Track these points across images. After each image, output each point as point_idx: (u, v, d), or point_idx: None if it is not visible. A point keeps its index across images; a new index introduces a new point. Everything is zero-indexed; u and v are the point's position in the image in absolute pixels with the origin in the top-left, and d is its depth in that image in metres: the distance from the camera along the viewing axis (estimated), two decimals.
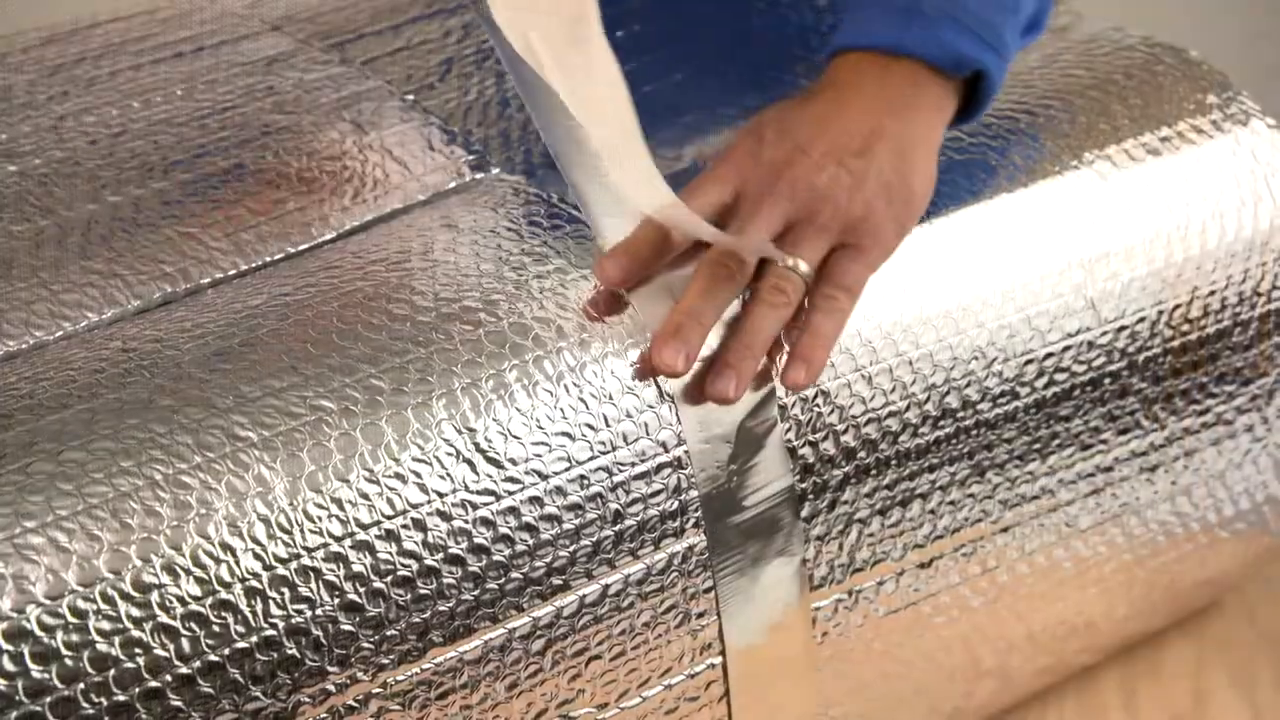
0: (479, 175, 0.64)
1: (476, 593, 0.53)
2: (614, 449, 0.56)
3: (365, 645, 0.52)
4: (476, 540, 0.53)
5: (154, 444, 0.51)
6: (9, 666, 0.47)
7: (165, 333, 0.55)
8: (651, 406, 0.56)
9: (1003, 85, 0.63)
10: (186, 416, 0.52)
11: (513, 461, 0.54)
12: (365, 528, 0.52)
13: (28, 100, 0.66)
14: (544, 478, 0.55)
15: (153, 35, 0.72)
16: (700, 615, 0.58)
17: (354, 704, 0.51)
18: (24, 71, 0.68)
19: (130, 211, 0.61)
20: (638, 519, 0.56)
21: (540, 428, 0.55)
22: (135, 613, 0.49)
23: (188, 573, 0.49)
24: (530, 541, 0.54)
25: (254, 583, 0.50)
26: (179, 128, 0.65)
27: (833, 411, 0.60)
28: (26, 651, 0.47)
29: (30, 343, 0.56)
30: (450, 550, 0.53)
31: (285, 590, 0.50)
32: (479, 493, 0.54)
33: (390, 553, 0.52)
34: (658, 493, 0.56)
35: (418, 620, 0.52)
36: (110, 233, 0.60)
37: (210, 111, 0.66)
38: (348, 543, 0.52)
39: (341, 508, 0.52)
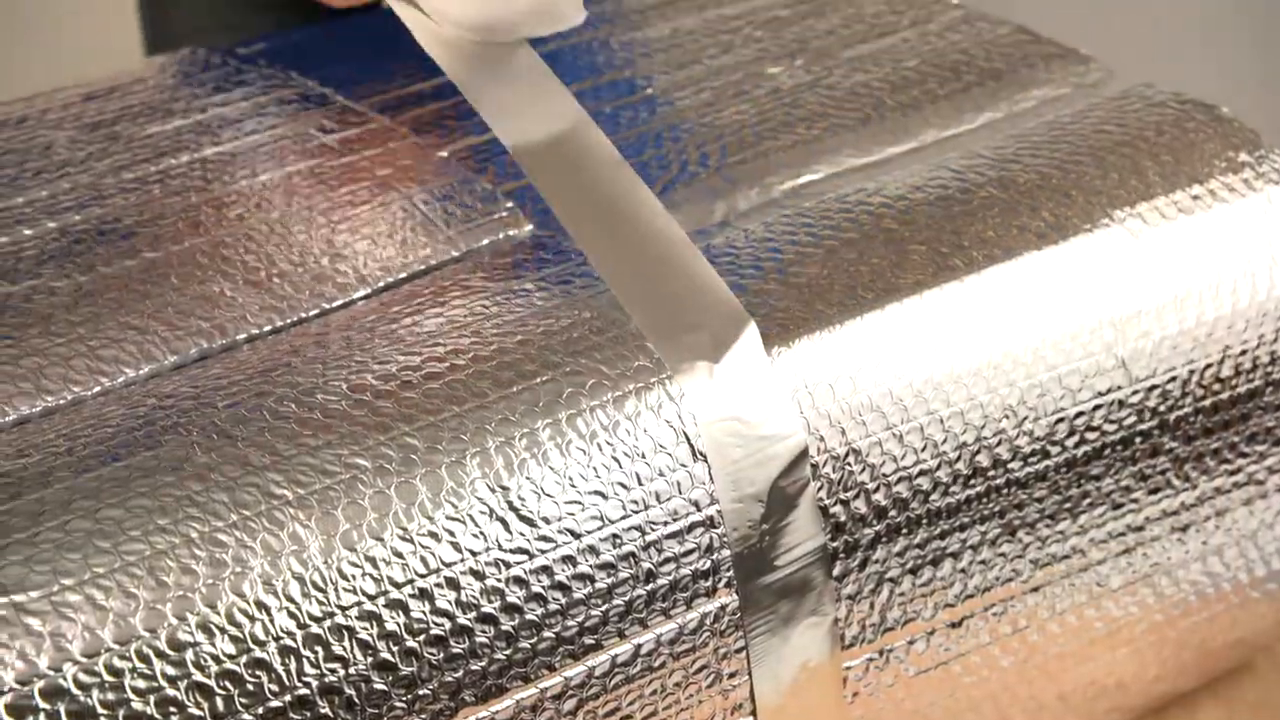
0: (512, 232, 0.65)
1: (509, 652, 0.53)
2: (647, 507, 0.56)
3: (398, 705, 0.52)
4: (509, 599, 0.54)
5: (190, 501, 0.51)
6: None
7: (202, 390, 0.55)
8: (684, 465, 0.57)
9: None
10: (222, 474, 0.52)
11: (546, 520, 0.54)
12: (399, 586, 0.52)
13: (68, 157, 0.67)
14: (577, 536, 0.55)
15: (195, 92, 0.72)
16: (732, 675, 0.58)
17: None
18: (64, 128, 0.69)
19: (168, 267, 0.62)
20: (670, 578, 0.56)
21: (573, 486, 0.55)
22: (170, 671, 0.49)
23: (223, 631, 0.50)
24: (563, 600, 0.54)
25: (288, 641, 0.50)
26: (216, 184, 0.66)
27: (864, 470, 0.60)
28: (63, 710, 0.47)
29: (69, 398, 0.56)
30: (483, 609, 0.53)
31: (319, 649, 0.51)
32: (512, 551, 0.54)
33: (424, 611, 0.52)
34: (690, 552, 0.56)
35: (450, 679, 0.53)
36: (148, 289, 0.61)
37: (249, 170, 0.67)
38: (381, 601, 0.52)
39: (375, 566, 0.52)
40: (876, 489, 0.60)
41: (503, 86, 0.68)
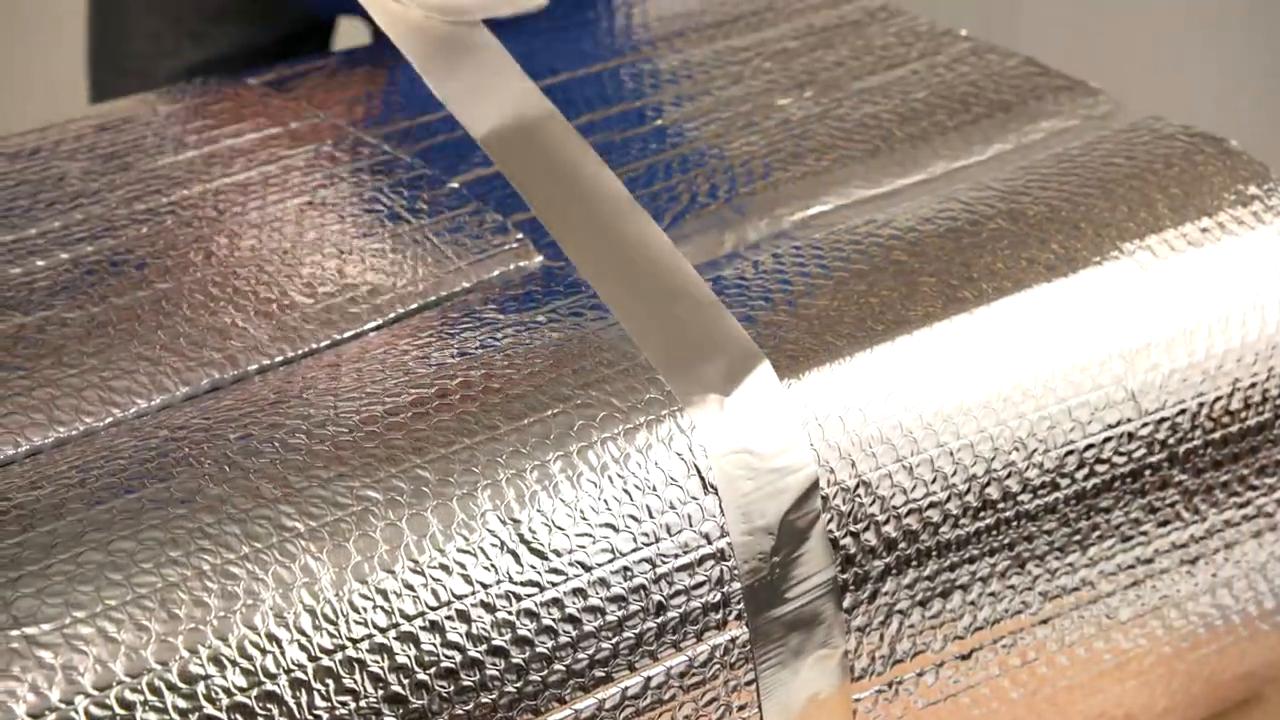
0: (523, 263, 0.65)
1: (519, 684, 0.53)
2: (657, 541, 0.56)
3: None
4: (520, 632, 0.54)
5: (202, 534, 0.51)
6: None
7: (213, 421, 0.56)
8: (695, 498, 0.57)
9: None
10: (234, 506, 0.52)
11: (557, 552, 0.54)
12: (410, 619, 0.52)
13: (81, 188, 0.67)
14: (587, 569, 0.55)
15: (205, 124, 0.73)
16: (742, 708, 0.58)
17: None
18: (77, 159, 0.69)
19: (180, 298, 0.62)
20: (680, 611, 0.56)
21: (584, 518, 0.55)
22: (182, 704, 0.49)
23: (234, 664, 0.50)
24: (573, 633, 0.54)
25: (299, 674, 0.50)
26: (228, 216, 0.66)
27: (874, 502, 0.60)
28: None
29: (80, 429, 0.57)
30: (494, 642, 0.53)
31: (330, 681, 0.51)
32: (523, 584, 0.54)
33: (434, 644, 0.52)
34: (700, 585, 0.57)
35: (460, 712, 0.53)
36: (160, 320, 0.61)
37: (260, 201, 0.67)
38: (392, 634, 0.52)
39: (386, 598, 0.52)
40: (886, 521, 0.60)
41: (465, 71, 0.69)
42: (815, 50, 0.81)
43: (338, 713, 0.51)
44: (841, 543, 0.59)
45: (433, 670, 0.52)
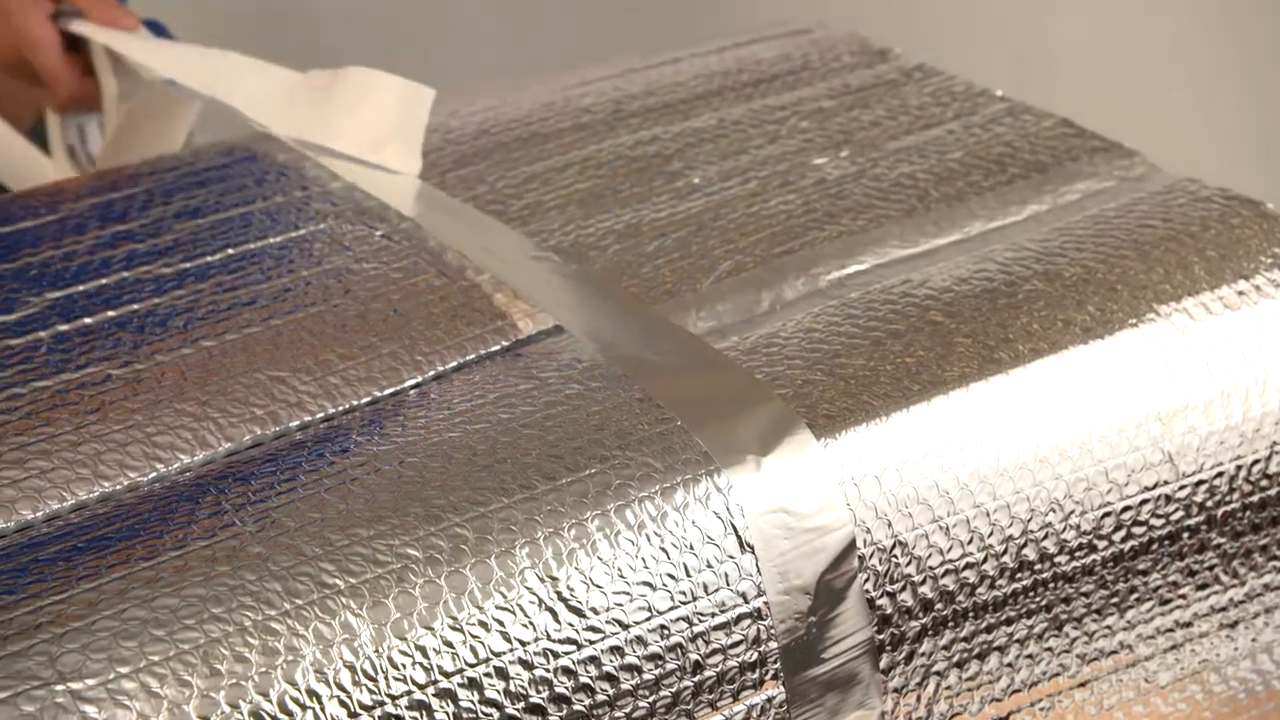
0: (555, 328, 0.65)
1: None
2: (694, 599, 0.56)
3: None
4: (558, 689, 0.54)
5: (244, 590, 0.52)
6: None
7: (256, 479, 0.56)
8: (732, 556, 0.57)
9: None
10: (276, 563, 0.53)
11: (594, 610, 0.55)
12: (448, 675, 0.52)
13: (127, 246, 0.68)
14: (625, 627, 0.55)
15: (248, 184, 0.74)
16: None
17: None
18: (125, 219, 0.70)
19: (223, 355, 0.62)
20: (717, 670, 0.56)
21: (622, 576, 0.55)
22: None
23: (274, 719, 0.50)
24: (610, 691, 0.55)
25: None
26: (271, 275, 0.67)
27: (911, 562, 0.60)
28: None
29: (125, 484, 0.57)
30: (531, 699, 0.53)
31: None
32: (561, 641, 0.54)
33: (472, 701, 0.53)
34: (737, 644, 0.57)
35: None
36: (204, 376, 0.61)
37: (302, 260, 0.68)
38: (431, 690, 0.52)
39: (425, 655, 0.52)
40: (923, 582, 0.60)
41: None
42: (852, 109, 0.82)
43: None
44: (878, 603, 0.59)
45: None
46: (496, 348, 0.64)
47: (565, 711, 0.54)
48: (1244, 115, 1.48)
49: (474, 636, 0.53)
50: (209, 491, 0.56)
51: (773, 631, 0.57)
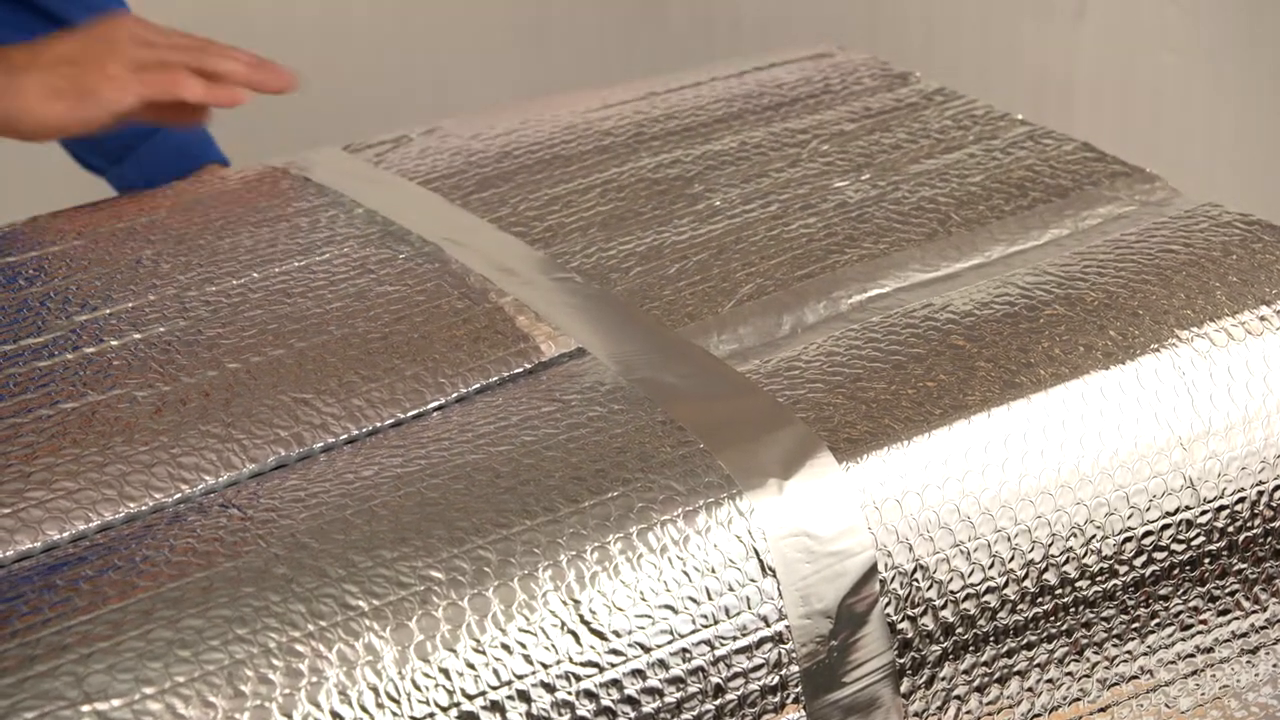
0: (577, 352, 0.66)
1: None
2: (716, 622, 0.56)
3: None
4: (579, 712, 0.54)
5: (268, 612, 0.52)
6: None
7: (280, 501, 0.56)
8: (753, 580, 0.57)
9: None
10: (300, 585, 0.53)
11: (616, 634, 0.55)
12: (471, 698, 0.53)
13: (153, 269, 0.69)
14: (646, 650, 0.55)
15: (272, 207, 0.74)
16: None
17: None
18: (151, 242, 0.71)
19: (248, 377, 0.63)
20: (738, 693, 0.56)
21: (644, 599, 0.55)
22: None
23: None
24: (632, 714, 0.55)
25: None
26: (295, 298, 0.68)
27: (932, 587, 0.60)
28: None
29: (150, 504, 0.58)
30: None
31: None
32: (583, 664, 0.54)
33: None
34: (759, 667, 0.57)
35: None
36: (228, 398, 0.62)
37: (326, 283, 0.68)
38: (453, 713, 0.52)
39: (448, 677, 0.53)
40: (944, 606, 0.60)
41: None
42: (873, 133, 0.82)
43: None
44: (899, 627, 0.59)
45: None
46: (519, 370, 0.64)
47: None
48: (1266, 140, 1.48)
49: (497, 659, 0.53)
50: (233, 513, 0.56)
51: (794, 655, 0.57)
